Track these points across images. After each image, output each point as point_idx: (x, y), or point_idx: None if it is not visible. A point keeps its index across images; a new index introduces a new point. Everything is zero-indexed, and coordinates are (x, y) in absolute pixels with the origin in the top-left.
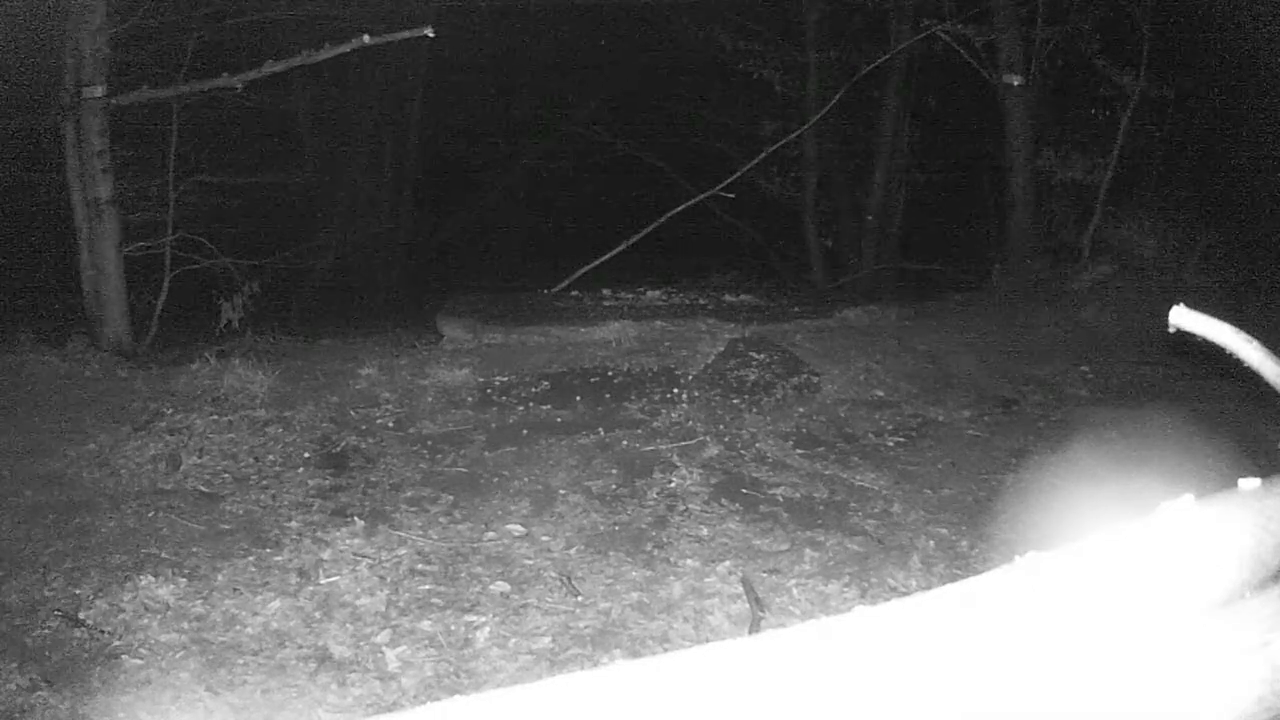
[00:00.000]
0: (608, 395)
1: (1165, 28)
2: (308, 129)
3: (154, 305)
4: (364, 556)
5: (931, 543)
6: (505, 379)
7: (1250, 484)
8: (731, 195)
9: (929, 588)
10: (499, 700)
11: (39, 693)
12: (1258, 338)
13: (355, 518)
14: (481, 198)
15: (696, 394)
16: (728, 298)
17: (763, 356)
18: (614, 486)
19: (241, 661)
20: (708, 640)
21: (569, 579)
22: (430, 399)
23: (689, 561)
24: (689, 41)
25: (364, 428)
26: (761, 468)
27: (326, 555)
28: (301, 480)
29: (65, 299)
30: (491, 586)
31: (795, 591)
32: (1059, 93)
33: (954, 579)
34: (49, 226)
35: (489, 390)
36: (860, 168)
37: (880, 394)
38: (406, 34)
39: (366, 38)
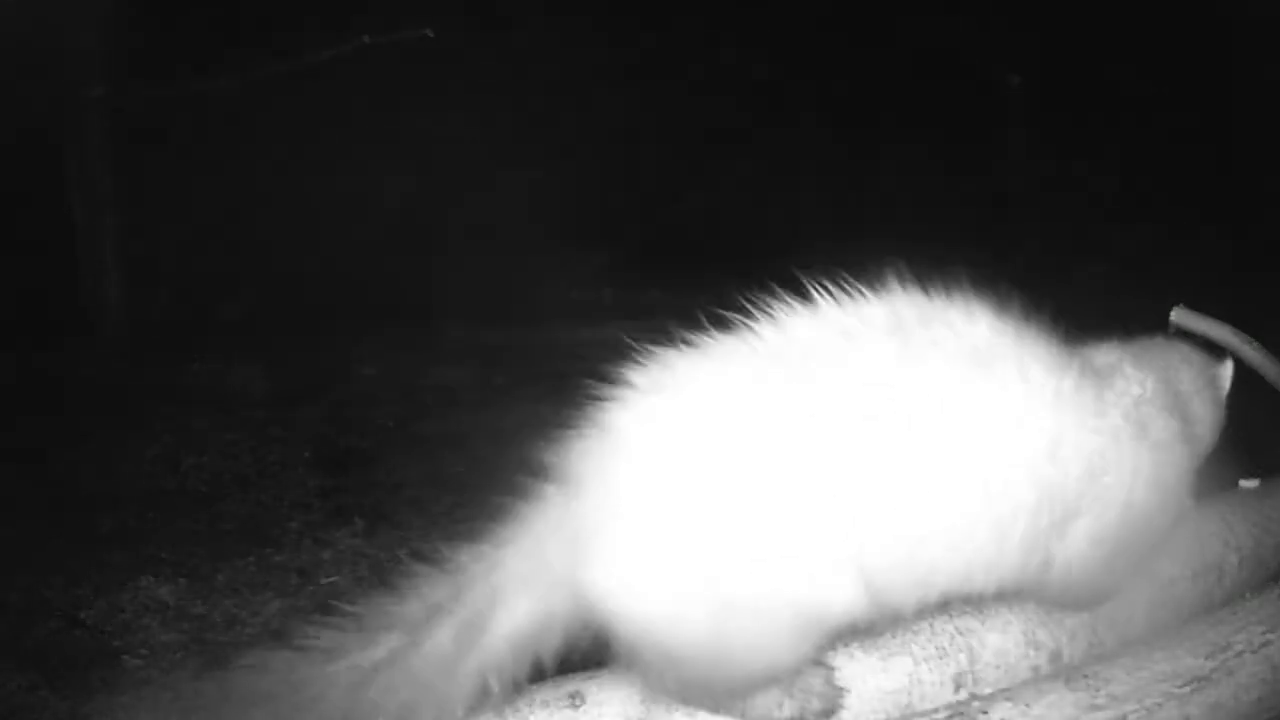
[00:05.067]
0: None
1: (1166, 27)
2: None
3: (154, 305)
4: (364, 556)
5: None
6: (505, 379)
7: (1250, 484)
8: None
9: None
10: None
11: (39, 693)
12: (1257, 338)
13: (355, 518)
14: (482, 196)
15: None
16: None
17: None
18: None
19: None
20: None
21: None
22: (430, 399)
23: None
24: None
25: (364, 428)
26: None
27: (326, 555)
28: (301, 480)
29: (65, 299)
30: None
31: None
32: (1059, 93)
33: None
34: (49, 226)
35: (489, 390)
36: (860, 168)
37: None
38: (407, 34)
39: (366, 38)
